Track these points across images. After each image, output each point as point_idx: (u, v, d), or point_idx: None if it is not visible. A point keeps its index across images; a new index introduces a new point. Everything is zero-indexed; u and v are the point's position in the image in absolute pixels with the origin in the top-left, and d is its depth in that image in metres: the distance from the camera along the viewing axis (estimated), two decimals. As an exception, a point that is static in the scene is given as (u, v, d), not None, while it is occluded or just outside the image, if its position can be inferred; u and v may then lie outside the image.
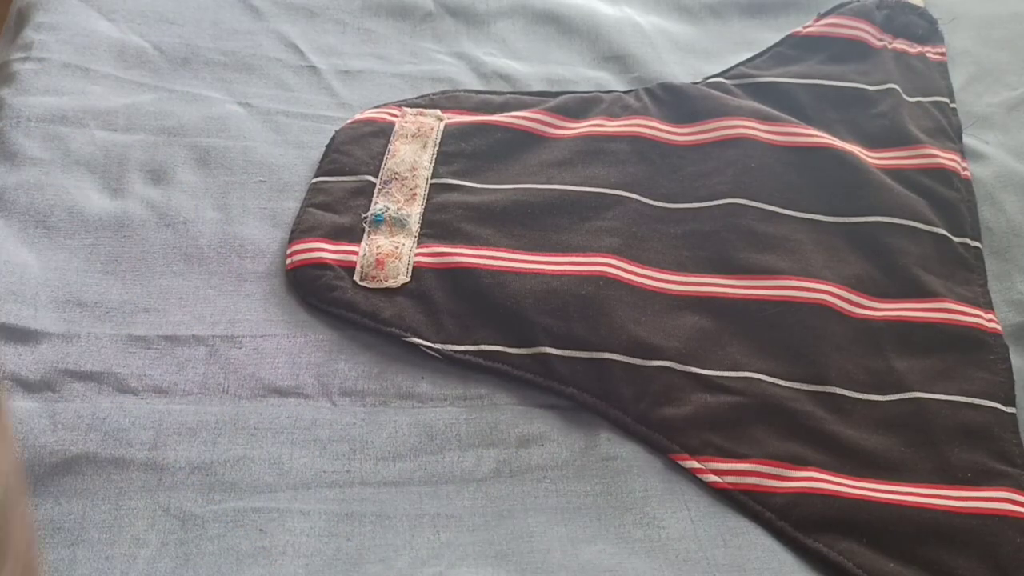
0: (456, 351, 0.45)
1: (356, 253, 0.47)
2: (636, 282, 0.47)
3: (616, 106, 0.55)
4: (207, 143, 0.51)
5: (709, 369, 0.44)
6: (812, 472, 0.42)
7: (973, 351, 0.46)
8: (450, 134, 0.53)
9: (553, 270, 0.47)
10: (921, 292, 0.48)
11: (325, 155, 0.51)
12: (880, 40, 0.59)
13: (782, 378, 0.45)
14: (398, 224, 0.48)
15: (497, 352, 0.45)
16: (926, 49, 0.60)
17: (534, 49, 0.61)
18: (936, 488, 0.42)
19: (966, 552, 0.39)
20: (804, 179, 0.51)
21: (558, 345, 0.45)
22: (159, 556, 0.37)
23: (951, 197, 0.52)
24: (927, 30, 0.61)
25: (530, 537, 0.39)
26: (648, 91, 0.56)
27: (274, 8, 0.59)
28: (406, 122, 0.53)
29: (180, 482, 0.39)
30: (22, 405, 0.40)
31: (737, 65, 0.58)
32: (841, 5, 0.61)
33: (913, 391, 0.45)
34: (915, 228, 0.50)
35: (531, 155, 0.52)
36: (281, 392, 0.43)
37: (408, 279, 0.46)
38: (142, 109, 0.52)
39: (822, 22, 0.60)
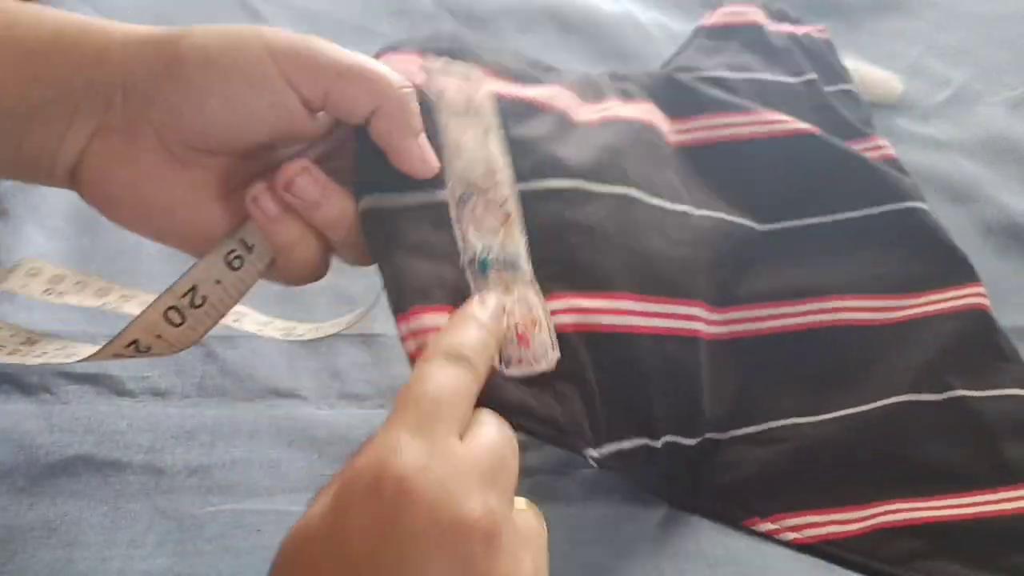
0: (614, 452, 0.35)
1: None
2: (709, 334, 0.41)
3: (619, 91, 0.46)
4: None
5: (754, 425, 0.42)
6: (884, 506, 0.41)
7: (989, 335, 0.46)
8: (506, 112, 0.37)
9: (664, 328, 0.38)
10: (948, 279, 0.47)
11: (362, 150, 0.33)
12: (771, 25, 0.57)
13: (826, 412, 0.43)
14: (510, 268, 0.34)
15: (631, 449, 0.36)
16: (808, 29, 0.58)
17: (534, 48, 0.61)
18: (1003, 491, 0.42)
19: None
20: (797, 176, 0.47)
21: (666, 432, 0.38)
22: (155, 556, 0.37)
23: (909, 182, 0.51)
24: (797, 16, 0.60)
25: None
26: (650, 75, 0.49)
27: (273, 8, 0.59)
28: (446, 87, 0.36)
29: (178, 484, 0.39)
30: (18, 408, 0.40)
31: (670, 61, 0.54)
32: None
33: (955, 389, 0.44)
34: (917, 210, 0.49)
35: (578, 144, 0.39)
36: (279, 394, 0.43)
37: (559, 353, 0.33)
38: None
39: (719, 13, 0.57)
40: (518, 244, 0.34)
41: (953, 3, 0.65)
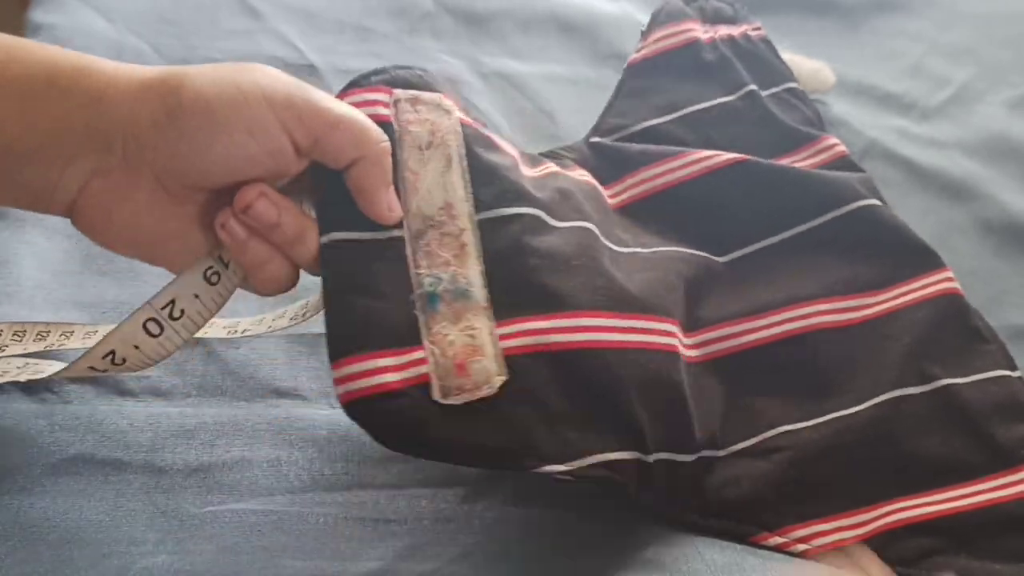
0: (589, 465, 0.35)
1: (425, 362, 0.34)
2: (685, 356, 0.41)
3: (556, 162, 0.46)
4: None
5: (747, 439, 0.42)
6: (887, 506, 0.41)
7: (964, 319, 0.46)
8: (473, 140, 0.38)
9: (639, 342, 0.38)
10: (914, 269, 0.47)
11: (321, 188, 0.35)
12: (707, 32, 0.56)
13: (818, 416, 0.42)
14: (461, 297, 0.35)
15: (617, 461, 0.36)
16: (745, 29, 0.57)
17: (534, 48, 0.61)
18: (1001, 477, 0.42)
19: None
20: (738, 205, 0.47)
21: (659, 448, 0.38)
22: (156, 554, 0.37)
23: (859, 179, 0.51)
24: (735, 11, 0.58)
25: (529, 540, 0.39)
26: (573, 149, 0.49)
27: (272, 7, 0.59)
28: (410, 121, 0.37)
29: (178, 484, 0.39)
30: (20, 407, 0.40)
31: (602, 119, 0.52)
32: (655, 17, 0.56)
33: (940, 379, 0.44)
34: (872, 207, 0.48)
35: (535, 186, 0.40)
36: (279, 393, 0.43)
37: (504, 376, 0.34)
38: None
39: (650, 39, 0.55)
40: (472, 273, 0.35)
41: (954, 2, 0.65)
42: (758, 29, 0.57)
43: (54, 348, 0.39)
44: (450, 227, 0.36)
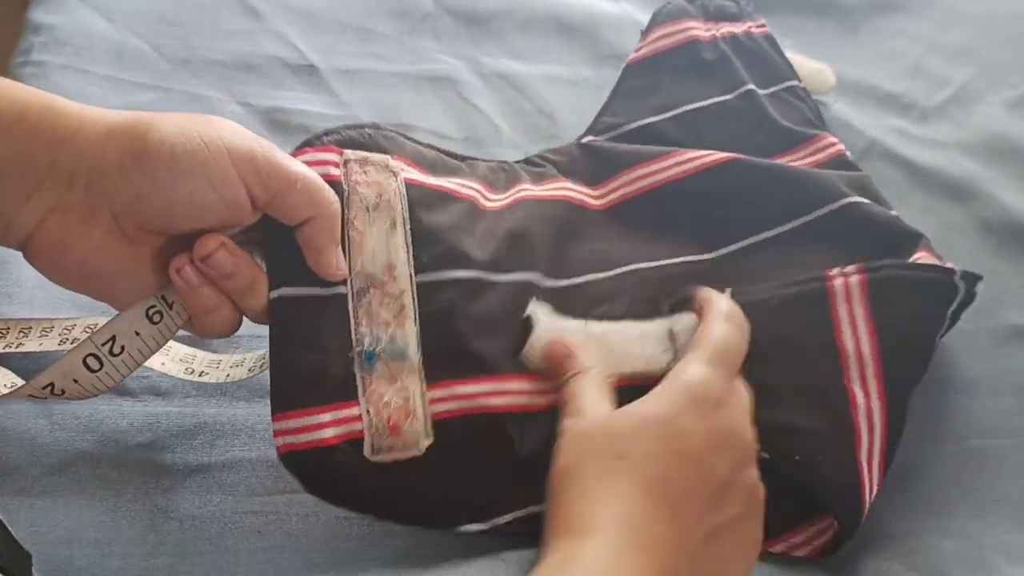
0: (508, 522, 0.37)
1: (359, 419, 0.35)
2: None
3: (532, 174, 0.47)
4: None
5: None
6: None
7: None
8: (417, 202, 0.39)
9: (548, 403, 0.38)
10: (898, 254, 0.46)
11: (272, 244, 0.36)
12: (708, 31, 0.55)
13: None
14: (397, 358, 0.37)
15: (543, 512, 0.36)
16: (748, 26, 0.57)
17: (534, 48, 0.61)
18: None
19: None
20: (724, 204, 0.47)
21: None
22: (155, 555, 0.37)
23: (856, 175, 0.50)
24: (739, 8, 0.58)
25: (528, 542, 0.39)
26: (563, 152, 0.50)
27: (272, 7, 0.59)
28: (358, 182, 0.38)
29: (178, 484, 0.39)
30: (19, 407, 0.40)
31: (598, 118, 0.52)
32: (655, 16, 0.56)
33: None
34: (859, 203, 0.48)
35: (484, 234, 0.41)
36: (279, 393, 0.43)
37: (431, 440, 0.36)
38: (140, 109, 0.52)
39: (649, 39, 0.55)
40: (408, 335, 0.37)
41: (954, 2, 0.65)
42: (762, 26, 0.57)
43: (11, 348, 0.39)
44: (391, 288, 0.37)
